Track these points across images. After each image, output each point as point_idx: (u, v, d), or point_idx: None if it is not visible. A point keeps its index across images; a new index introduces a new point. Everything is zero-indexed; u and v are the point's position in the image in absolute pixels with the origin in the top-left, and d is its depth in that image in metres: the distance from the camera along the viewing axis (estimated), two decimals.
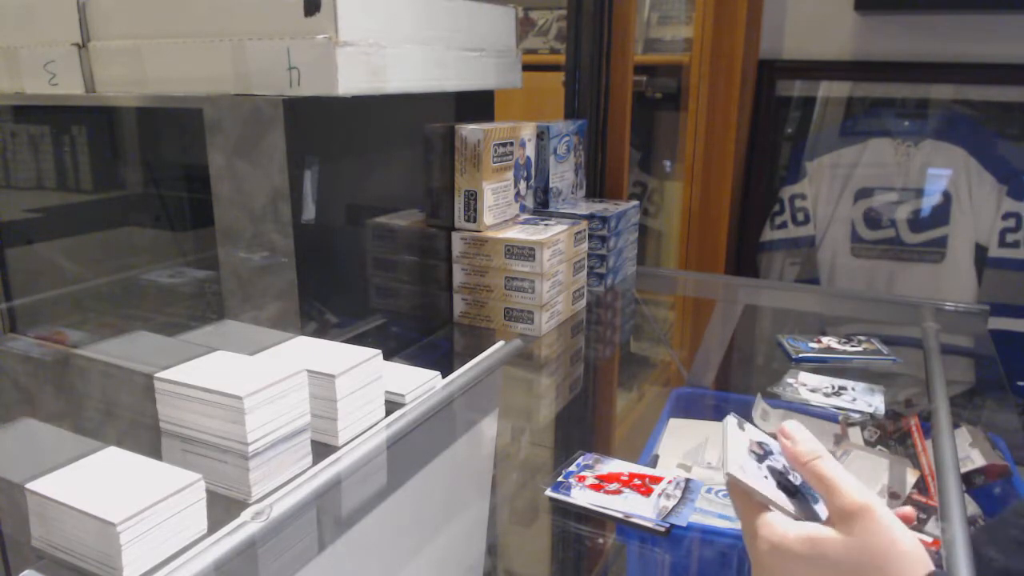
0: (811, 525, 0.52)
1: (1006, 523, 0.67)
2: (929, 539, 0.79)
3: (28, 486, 0.53)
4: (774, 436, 0.58)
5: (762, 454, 0.56)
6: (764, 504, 0.54)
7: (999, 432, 1.06)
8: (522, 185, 1.15)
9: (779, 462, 0.57)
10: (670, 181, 2.25)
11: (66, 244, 1.05)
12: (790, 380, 1.13)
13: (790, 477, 0.56)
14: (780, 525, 0.52)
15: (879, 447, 0.98)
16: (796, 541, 0.51)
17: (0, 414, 0.84)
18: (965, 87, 1.94)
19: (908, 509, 0.54)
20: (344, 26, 0.78)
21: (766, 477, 0.55)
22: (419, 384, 0.76)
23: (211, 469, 0.60)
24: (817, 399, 1.08)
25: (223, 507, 0.58)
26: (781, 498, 0.54)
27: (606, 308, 1.30)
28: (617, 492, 0.87)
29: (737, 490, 0.55)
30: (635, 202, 1.42)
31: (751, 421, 1.02)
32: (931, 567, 0.48)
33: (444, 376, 0.80)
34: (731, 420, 0.58)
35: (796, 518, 0.53)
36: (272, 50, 0.80)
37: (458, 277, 1.09)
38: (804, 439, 0.55)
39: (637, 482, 0.89)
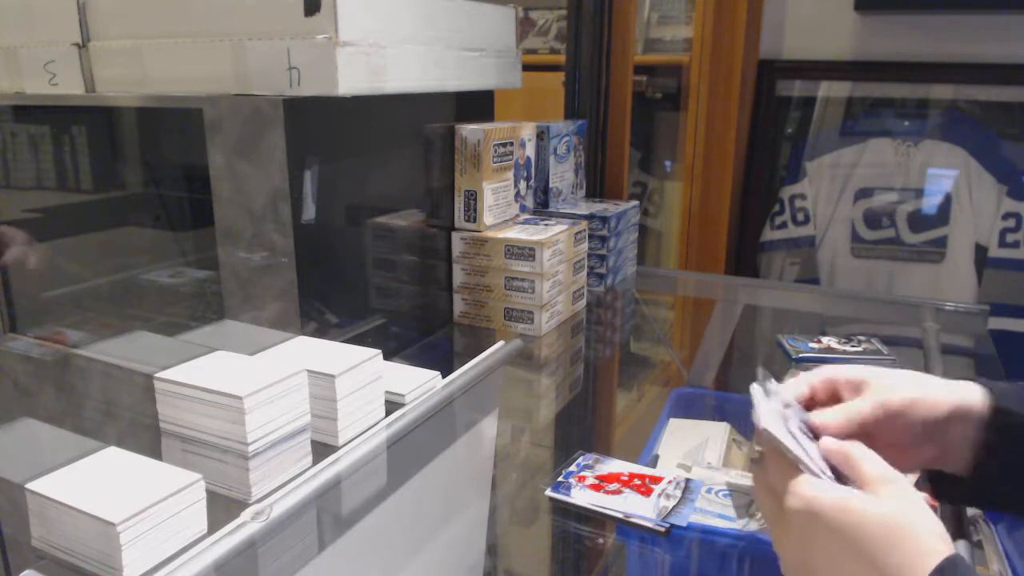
0: (846, 490, 0.51)
1: None
2: None
3: (28, 486, 0.53)
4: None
5: (788, 416, 0.58)
6: (796, 464, 0.54)
7: None
8: (522, 185, 1.15)
9: (800, 425, 0.58)
10: (670, 181, 2.25)
11: (66, 244, 1.05)
12: (790, 380, 1.13)
13: (810, 440, 0.57)
14: (816, 486, 0.52)
15: None
16: (830, 504, 0.50)
17: (0, 414, 0.84)
18: (965, 87, 1.94)
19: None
20: (344, 26, 0.78)
21: (793, 436, 0.55)
22: (419, 384, 0.76)
23: (211, 469, 0.60)
24: None
25: (223, 507, 0.58)
26: (812, 452, 0.54)
27: (606, 308, 1.30)
28: (617, 492, 0.87)
29: (769, 447, 0.56)
30: (635, 202, 1.42)
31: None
32: (952, 550, 0.47)
33: (444, 376, 0.80)
34: (756, 387, 0.60)
35: (819, 476, 0.53)
36: (272, 50, 0.80)
37: (458, 277, 1.09)
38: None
39: (637, 482, 0.89)
